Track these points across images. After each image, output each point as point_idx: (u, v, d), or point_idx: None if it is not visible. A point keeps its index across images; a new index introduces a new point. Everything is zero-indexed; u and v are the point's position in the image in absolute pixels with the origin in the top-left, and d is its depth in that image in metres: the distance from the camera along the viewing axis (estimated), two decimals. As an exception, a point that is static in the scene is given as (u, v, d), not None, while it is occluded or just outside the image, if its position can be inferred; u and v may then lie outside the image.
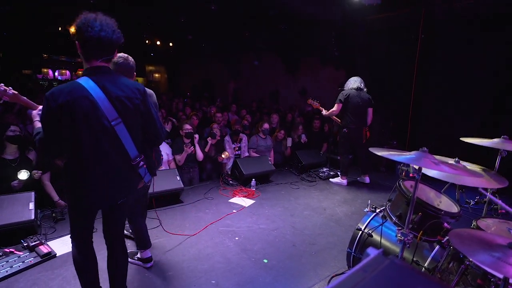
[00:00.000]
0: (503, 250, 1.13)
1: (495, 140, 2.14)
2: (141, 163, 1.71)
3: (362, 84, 4.48)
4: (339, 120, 4.64)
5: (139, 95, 1.65)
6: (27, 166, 3.17)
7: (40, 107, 1.71)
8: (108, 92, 1.53)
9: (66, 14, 7.08)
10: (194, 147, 4.25)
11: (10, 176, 3.08)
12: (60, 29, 8.18)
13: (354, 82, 4.49)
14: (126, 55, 2.11)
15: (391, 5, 5.51)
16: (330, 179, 4.87)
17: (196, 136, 4.31)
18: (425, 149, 1.50)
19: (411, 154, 1.52)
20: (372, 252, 0.62)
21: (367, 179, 4.76)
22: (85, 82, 1.49)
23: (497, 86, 4.78)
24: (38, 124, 1.64)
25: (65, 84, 1.51)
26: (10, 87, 1.79)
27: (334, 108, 4.48)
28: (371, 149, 1.69)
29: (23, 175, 3.04)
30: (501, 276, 1.19)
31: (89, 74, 1.53)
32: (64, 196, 3.35)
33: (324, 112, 4.69)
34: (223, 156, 4.55)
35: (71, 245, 1.79)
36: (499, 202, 1.97)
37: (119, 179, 1.67)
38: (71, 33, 1.54)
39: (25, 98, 1.84)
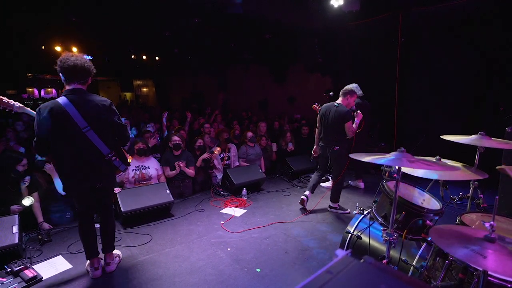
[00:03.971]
0: (480, 243, 1.16)
1: (473, 136, 2.18)
2: (113, 157, 2.32)
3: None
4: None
5: (103, 110, 2.23)
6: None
7: None
8: (79, 107, 2.14)
9: (50, 31, 7.06)
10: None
11: (10, 199, 3.08)
12: (43, 47, 8.10)
13: (357, 90, 4.29)
14: None
15: (370, 11, 5.69)
16: (321, 184, 4.88)
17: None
18: (402, 149, 1.53)
19: (391, 156, 1.55)
20: (340, 253, 0.63)
21: (361, 185, 4.75)
22: (62, 100, 2.13)
23: (476, 84, 4.94)
24: None
25: (48, 102, 2.15)
26: (17, 102, 2.33)
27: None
28: (352, 155, 1.66)
29: (26, 201, 3.07)
30: (480, 268, 1.22)
31: (66, 94, 2.18)
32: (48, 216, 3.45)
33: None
34: (215, 152, 4.57)
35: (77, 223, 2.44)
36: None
37: (94, 169, 2.27)
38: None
39: (29, 109, 2.35)
